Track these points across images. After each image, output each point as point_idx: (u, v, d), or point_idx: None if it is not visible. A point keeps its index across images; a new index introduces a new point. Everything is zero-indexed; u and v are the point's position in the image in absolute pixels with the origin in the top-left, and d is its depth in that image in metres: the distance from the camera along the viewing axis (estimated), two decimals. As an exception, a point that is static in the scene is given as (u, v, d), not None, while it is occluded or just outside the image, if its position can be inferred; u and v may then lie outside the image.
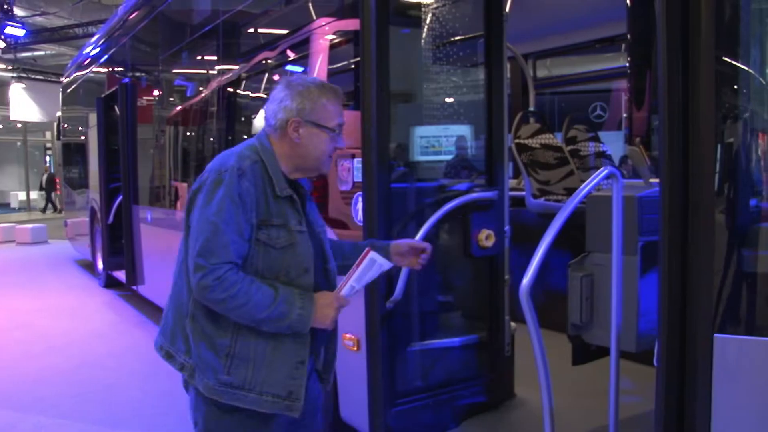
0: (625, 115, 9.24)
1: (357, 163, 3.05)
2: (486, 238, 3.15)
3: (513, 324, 3.37)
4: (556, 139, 4.99)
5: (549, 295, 4.79)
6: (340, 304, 1.98)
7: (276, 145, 2.00)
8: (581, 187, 2.54)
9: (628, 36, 4.13)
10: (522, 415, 3.24)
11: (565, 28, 5.30)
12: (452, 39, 3.20)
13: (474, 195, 3.12)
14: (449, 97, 3.22)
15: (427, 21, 3.14)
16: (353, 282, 1.98)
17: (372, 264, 1.98)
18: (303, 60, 3.76)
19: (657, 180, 2.89)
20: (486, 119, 3.23)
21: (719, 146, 1.64)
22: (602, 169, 2.63)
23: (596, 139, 5.13)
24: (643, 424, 3.18)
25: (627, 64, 4.10)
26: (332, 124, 2.02)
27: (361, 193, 3.00)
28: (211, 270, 1.81)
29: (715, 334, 1.64)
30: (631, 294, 2.93)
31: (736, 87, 1.69)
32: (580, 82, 6.41)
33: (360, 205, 3.01)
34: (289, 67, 4.23)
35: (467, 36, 3.26)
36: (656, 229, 3.05)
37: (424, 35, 3.13)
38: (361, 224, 2.99)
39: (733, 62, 1.68)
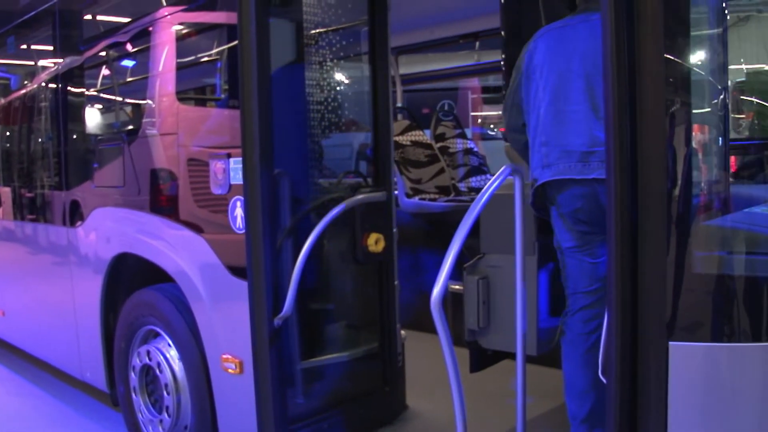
0: (474, 113, 9.46)
1: (234, 163, 2.72)
2: (375, 242, 2.93)
3: (402, 332, 3.19)
4: (426, 136, 4.89)
5: (424, 297, 4.68)
6: None
7: None
8: (486, 186, 2.37)
9: (503, 33, 4.09)
10: (418, 428, 3.07)
11: (428, 23, 5.21)
12: (333, 29, 2.95)
13: (363, 196, 2.89)
14: (330, 91, 2.95)
15: (306, 11, 2.86)
16: None
17: None
18: (145, 52, 3.37)
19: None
20: (372, 115, 3.01)
21: (669, 141, 1.52)
22: (504, 167, 2.49)
23: (463, 136, 5.10)
24: (542, 426, 3.12)
25: (501, 61, 4.05)
26: None
27: (239, 197, 2.68)
28: None
29: (670, 342, 1.53)
30: (531, 296, 2.84)
31: (682, 81, 1.59)
32: (444, 78, 6.38)
33: (239, 211, 2.69)
34: (125, 62, 3.81)
35: (349, 24, 3.02)
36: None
37: (303, 25, 2.86)
38: (241, 232, 2.67)
39: (679, 59, 1.58)
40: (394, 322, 3.08)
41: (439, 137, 4.97)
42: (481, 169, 5.05)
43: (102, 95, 3.94)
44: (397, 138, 4.59)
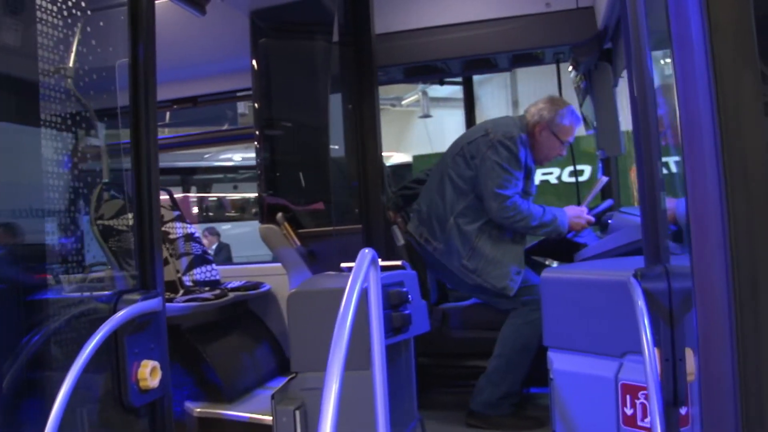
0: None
1: None
2: (150, 373, 2.00)
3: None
4: (142, 219, 3.92)
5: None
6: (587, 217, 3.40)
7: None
8: (352, 277, 1.69)
9: (255, 104, 3.46)
10: None
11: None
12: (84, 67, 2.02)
13: (131, 307, 1.94)
14: (76, 154, 2.00)
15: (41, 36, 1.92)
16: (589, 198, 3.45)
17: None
18: None
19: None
20: (134, 187, 2.13)
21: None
22: (362, 250, 1.83)
23: (183, 219, 4.24)
24: None
25: (256, 131, 3.41)
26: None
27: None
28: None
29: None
30: (369, 418, 2.18)
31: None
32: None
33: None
34: None
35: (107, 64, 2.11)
36: (389, 329, 2.40)
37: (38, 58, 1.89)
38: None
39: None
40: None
41: (156, 221, 4.04)
42: (205, 258, 4.23)
43: None
44: (111, 222, 3.56)
